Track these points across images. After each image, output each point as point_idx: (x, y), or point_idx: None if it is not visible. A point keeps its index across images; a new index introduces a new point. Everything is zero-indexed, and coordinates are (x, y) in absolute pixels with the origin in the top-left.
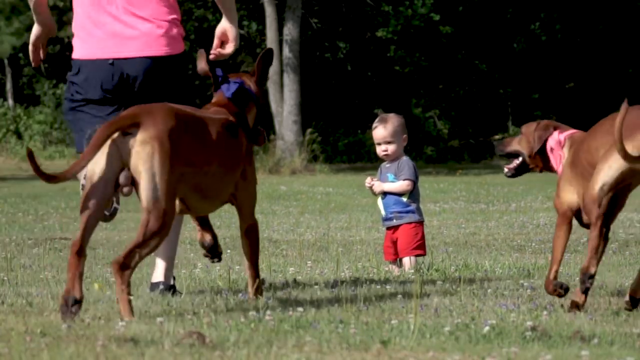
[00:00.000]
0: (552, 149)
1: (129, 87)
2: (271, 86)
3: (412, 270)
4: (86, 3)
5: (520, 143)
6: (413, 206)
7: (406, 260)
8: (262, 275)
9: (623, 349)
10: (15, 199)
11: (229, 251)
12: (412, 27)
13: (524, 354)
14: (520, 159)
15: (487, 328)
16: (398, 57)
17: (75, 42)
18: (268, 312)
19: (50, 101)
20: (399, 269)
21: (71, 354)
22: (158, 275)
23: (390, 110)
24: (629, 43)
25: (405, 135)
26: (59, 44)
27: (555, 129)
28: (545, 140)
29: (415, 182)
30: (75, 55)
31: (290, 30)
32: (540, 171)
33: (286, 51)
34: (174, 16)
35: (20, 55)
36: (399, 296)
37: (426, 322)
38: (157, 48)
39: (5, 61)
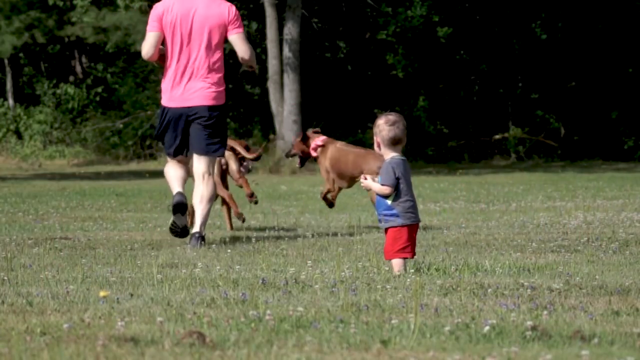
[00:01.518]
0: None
1: None
2: (271, 86)
3: (399, 274)
4: None
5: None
6: (397, 209)
7: (394, 263)
8: (263, 274)
9: (623, 349)
10: (16, 199)
11: (229, 251)
12: (411, 27)
13: (524, 354)
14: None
15: (487, 328)
16: (397, 58)
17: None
18: (268, 311)
19: (50, 101)
20: (399, 268)
21: (71, 353)
22: (196, 227)
23: (391, 110)
24: (629, 43)
25: (375, 137)
26: (59, 44)
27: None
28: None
29: (394, 186)
30: None
31: (291, 30)
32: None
33: (286, 51)
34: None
35: (21, 54)
36: (399, 296)
37: (426, 321)
38: None
39: (6, 61)
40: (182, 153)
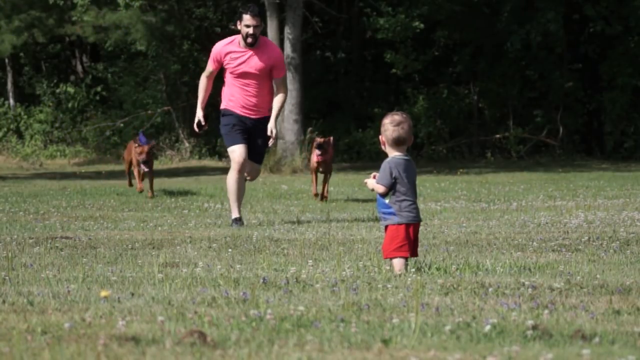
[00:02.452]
0: None
1: None
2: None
3: (400, 273)
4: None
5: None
6: (394, 207)
7: (394, 262)
8: (264, 273)
9: (624, 348)
10: (16, 198)
11: (229, 250)
12: (411, 27)
13: (525, 353)
14: None
15: (488, 327)
16: (397, 57)
17: None
18: (269, 311)
19: (51, 100)
20: (400, 268)
21: (72, 352)
22: (236, 213)
23: (390, 110)
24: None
25: (381, 136)
26: (59, 43)
27: None
28: None
29: (388, 186)
30: None
31: (291, 29)
32: None
33: (287, 50)
34: None
35: (21, 54)
36: (400, 295)
37: (427, 321)
38: None
39: (6, 60)
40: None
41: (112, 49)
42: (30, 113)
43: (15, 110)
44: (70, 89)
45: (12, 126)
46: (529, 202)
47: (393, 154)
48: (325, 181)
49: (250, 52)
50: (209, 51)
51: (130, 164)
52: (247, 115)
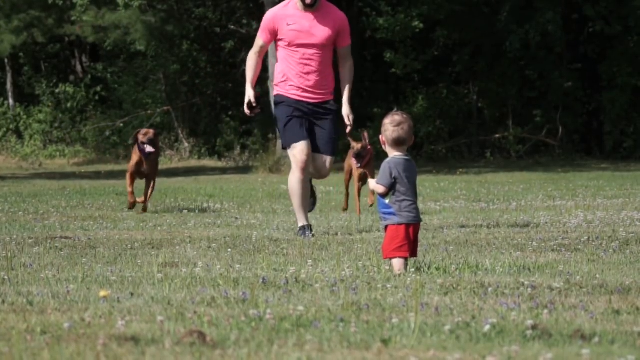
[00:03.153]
0: None
1: None
2: (272, 85)
3: (399, 273)
4: None
5: None
6: (394, 208)
7: (394, 262)
8: (263, 273)
9: (624, 348)
10: (16, 198)
11: (229, 250)
12: (411, 26)
13: (524, 353)
14: None
15: (487, 327)
16: (397, 57)
17: None
18: (269, 310)
19: (50, 100)
20: (399, 268)
21: (72, 352)
22: (303, 220)
23: (390, 110)
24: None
25: (381, 136)
26: (59, 43)
27: None
28: None
29: (388, 186)
30: None
31: None
32: None
33: None
34: None
35: (21, 54)
36: (400, 295)
37: (427, 320)
38: None
39: (6, 60)
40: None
41: (111, 49)
42: (29, 113)
43: (15, 110)
44: (70, 89)
45: (11, 126)
46: (528, 202)
47: (393, 154)
48: (360, 192)
49: (311, 16)
50: (209, 51)
51: (133, 173)
52: (306, 99)
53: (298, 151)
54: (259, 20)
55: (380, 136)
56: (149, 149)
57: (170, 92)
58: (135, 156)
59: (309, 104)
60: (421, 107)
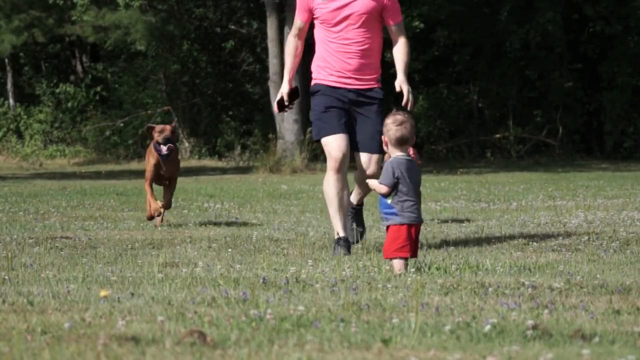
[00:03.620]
0: None
1: None
2: (272, 85)
3: (399, 273)
4: None
5: None
6: (396, 208)
7: (394, 263)
8: (263, 273)
9: (624, 348)
10: (16, 198)
11: (229, 250)
12: (411, 26)
13: (525, 353)
14: None
15: (488, 327)
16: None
17: None
18: (269, 310)
19: (50, 100)
20: (400, 268)
21: (72, 352)
22: (340, 229)
23: (390, 109)
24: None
25: (383, 136)
26: (59, 43)
27: None
28: None
29: (391, 186)
30: None
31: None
32: None
33: None
34: None
35: (21, 54)
36: (400, 295)
37: (427, 320)
38: None
39: (6, 60)
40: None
41: (111, 49)
42: (30, 113)
43: (15, 110)
44: (70, 89)
45: (12, 126)
46: (528, 201)
47: (395, 154)
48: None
49: None
50: (209, 51)
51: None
52: (347, 86)
53: (333, 148)
54: (259, 20)
55: (383, 137)
56: (165, 150)
57: (171, 92)
58: (151, 158)
59: (349, 90)
60: (421, 107)
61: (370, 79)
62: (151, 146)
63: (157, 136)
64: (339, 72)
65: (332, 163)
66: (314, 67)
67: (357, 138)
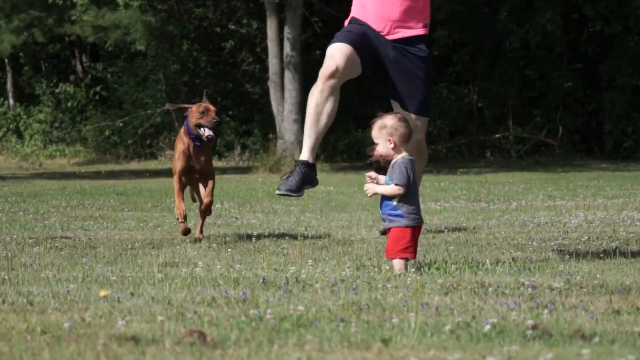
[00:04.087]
0: None
1: None
2: (272, 85)
3: (399, 273)
4: None
5: None
6: (402, 210)
7: (395, 263)
8: (263, 273)
9: (624, 348)
10: (16, 198)
11: (229, 250)
12: None
13: (525, 353)
14: None
15: (488, 327)
16: None
17: None
18: (269, 310)
19: (50, 100)
20: (400, 268)
21: (72, 352)
22: (306, 152)
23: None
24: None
25: (390, 137)
26: (59, 43)
27: None
28: None
29: (407, 187)
30: None
31: (291, 29)
32: None
33: (287, 50)
34: None
35: (21, 54)
36: (400, 295)
37: (427, 320)
38: None
39: (6, 60)
40: None
41: (111, 49)
42: (29, 113)
43: (15, 110)
44: (70, 89)
45: (11, 126)
46: (528, 201)
47: (402, 153)
48: None
49: None
50: (209, 51)
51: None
52: (386, 33)
53: (329, 55)
54: (259, 20)
55: (389, 139)
56: (208, 132)
57: (170, 92)
58: (180, 144)
59: (389, 41)
60: None
61: (414, 25)
62: (182, 131)
63: (197, 118)
64: (381, 15)
65: (322, 70)
66: (354, 13)
67: (398, 92)
